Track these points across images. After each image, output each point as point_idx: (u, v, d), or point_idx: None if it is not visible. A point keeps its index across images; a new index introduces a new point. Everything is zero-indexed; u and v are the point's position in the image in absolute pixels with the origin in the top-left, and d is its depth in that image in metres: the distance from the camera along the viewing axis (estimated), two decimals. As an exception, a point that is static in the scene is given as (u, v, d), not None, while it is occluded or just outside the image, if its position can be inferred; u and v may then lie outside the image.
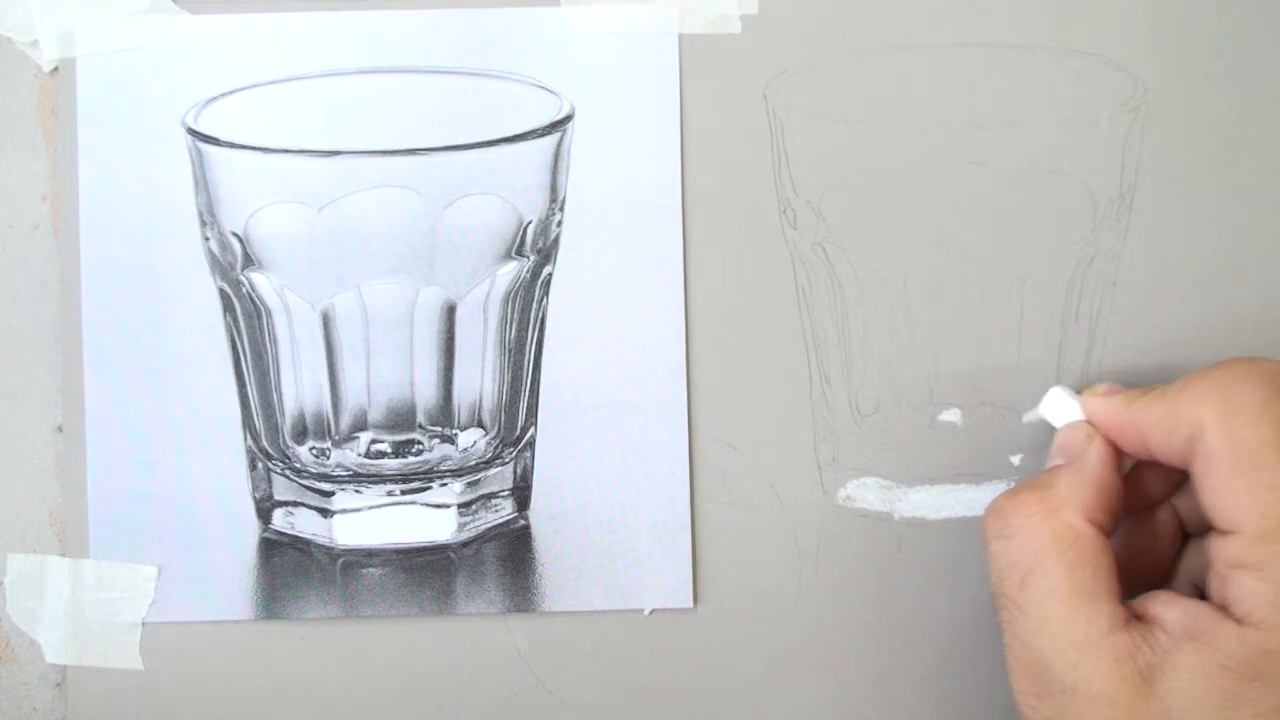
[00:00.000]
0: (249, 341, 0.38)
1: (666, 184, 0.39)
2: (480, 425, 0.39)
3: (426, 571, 0.39)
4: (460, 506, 0.39)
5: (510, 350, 0.39)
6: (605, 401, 0.39)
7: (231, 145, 0.37)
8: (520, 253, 0.38)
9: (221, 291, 0.38)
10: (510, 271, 0.38)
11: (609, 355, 0.39)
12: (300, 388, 0.38)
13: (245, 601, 0.39)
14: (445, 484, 0.39)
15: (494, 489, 0.39)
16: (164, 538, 0.38)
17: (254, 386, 0.39)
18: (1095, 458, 0.34)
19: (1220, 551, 0.31)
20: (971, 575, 0.39)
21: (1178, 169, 0.39)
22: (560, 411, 0.39)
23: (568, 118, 0.38)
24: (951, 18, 0.39)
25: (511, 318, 0.39)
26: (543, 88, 0.38)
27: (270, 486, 0.39)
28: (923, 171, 0.38)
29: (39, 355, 0.39)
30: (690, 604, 0.39)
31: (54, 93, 0.39)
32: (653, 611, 0.39)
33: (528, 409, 0.39)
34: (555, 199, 0.38)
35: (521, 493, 0.39)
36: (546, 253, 0.39)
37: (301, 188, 0.36)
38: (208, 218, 0.38)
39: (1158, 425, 0.33)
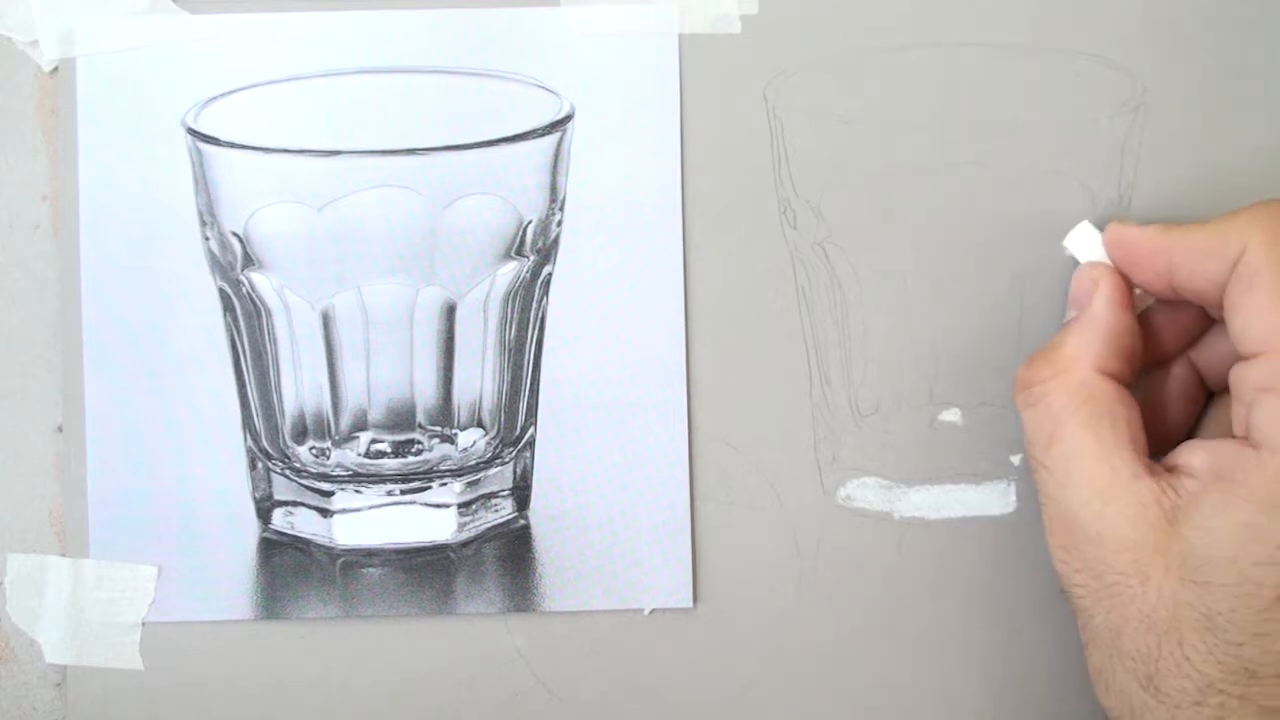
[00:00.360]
0: (249, 341, 0.38)
1: (666, 184, 0.39)
2: (480, 425, 0.39)
3: (426, 571, 0.39)
4: (460, 506, 0.39)
5: (510, 350, 0.39)
6: (605, 401, 0.39)
7: (231, 145, 0.37)
8: (520, 253, 0.38)
9: (221, 291, 0.38)
10: (510, 271, 0.38)
11: (609, 355, 0.39)
12: (300, 388, 0.38)
13: (245, 601, 0.39)
14: (445, 484, 0.39)
15: (494, 489, 0.39)
16: (164, 538, 0.38)
17: (254, 386, 0.39)
18: (1101, 304, 0.34)
19: (1246, 377, 0.31)
20: (971, 575, 0.39)
21: (1178, 169, 0.39)
22: (560, 411, 0.39)
23: (568, 118, 0.38)
24: (951, 18, 0.39)
25: (511, 318, 0.39)
26: (543, 88, 0.38)
27: (270, 486, 0.39)
28: (923, 171, 0.38)
29: (39, 355, 0.39)
30: (690, 604, 0.39)
31: (54, 93, 0.39)
32: (653, 611, 0.39)
33: (528, 409, 0.39)
34: (555, 199, 0.38)
35: (521, 493, 0.39)
36: (546, 253, 0.39)
37: (301, 188, 0.36)
38: (208, 218, 0.38)
39: (1196, 249, 0.32)
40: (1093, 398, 0.33)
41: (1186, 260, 0.33)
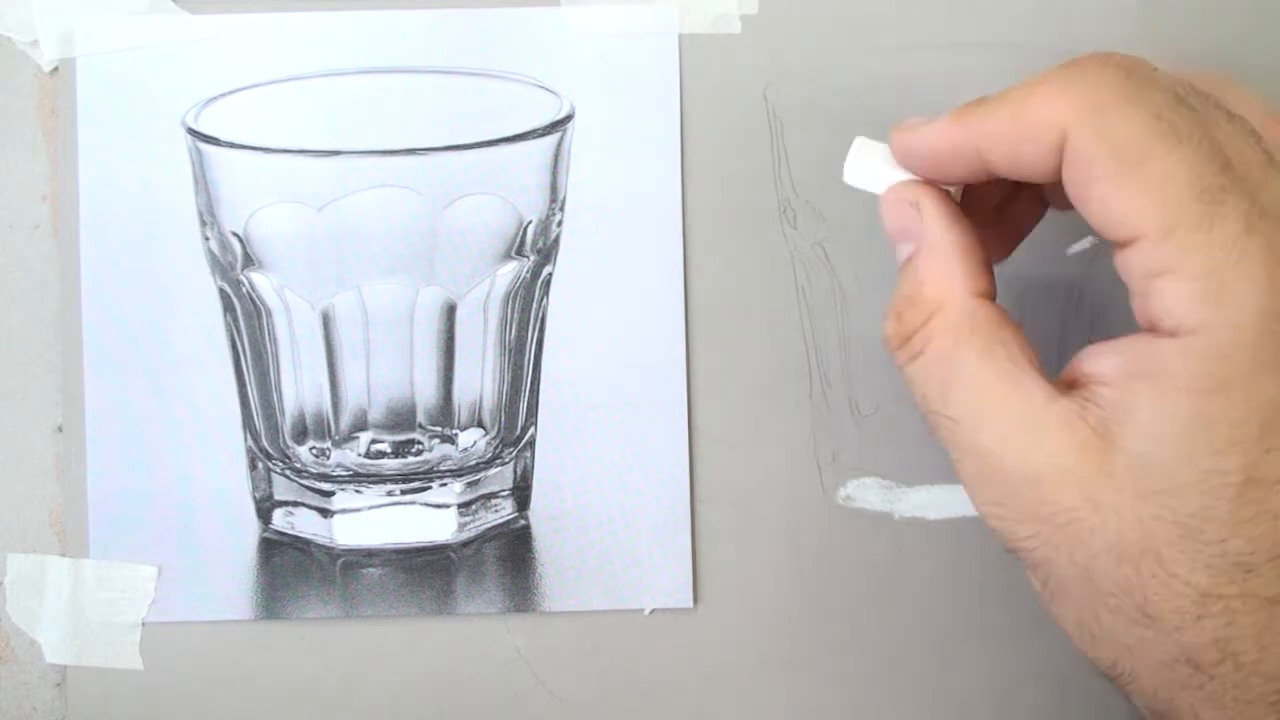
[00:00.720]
0: (249, 341, 0.38)
1: (666, 184, 0.39)
2: (480, 425, 0.39)
3: (426, 571, 0.39)
4: (460, 506, 0.39)
5: (510, 350, 0.39)
6: (605, 401, 0.39)
7: (231, 145, 0.37)
8: (520, 253, 0.38)
9: (221, 291, 0.38)
10: (510, 271, 0.38)
11: (609, 355, 0.39)
12: (300, 388, 0.38)
13: (245, 601, 0.39)
14: (445, 484, 0.39)
15: (494, 489, 0.39)
16: (164, 538, 0.38)
17: (254, 386, 0.39)
18: (937, 225, 0.30)
19: (1130, 265, 0.28)
20: (971, 575, 0.39)
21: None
22: (560, 411, 0.39)
23: (568, 118, 0.38)
24: (951, 18, 0.39)
25: (511, 318, 0.39)
26: (543, 88, 0.38)
27: (270, 486, 0.39)
28: (923, 171, 0.38)
29: (39, 355, 0.39)
30: (690, 604, 0.39)
31: (54, 93, 0.39)
32: (653, 611, 0.39)
33: (528, 409, 0.39)
34: (555, 199, 0.38)
35: (521, 493, 0.39)
36: (546, 253, 0.39)
37: (301, 188, 0.36)
38: (208, 218, 0.38)
39: (1002, 136, 0.29)
40: (978, 327, 0.29)
41: (997, 149, 0.29)
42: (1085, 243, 0.38)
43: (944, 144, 0.30)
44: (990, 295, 0.30)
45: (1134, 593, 0.28)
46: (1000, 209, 0.33)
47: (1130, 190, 0.27)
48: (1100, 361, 0.28)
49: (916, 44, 0.39)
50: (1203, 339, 0.27)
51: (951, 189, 0.31)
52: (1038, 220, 0.33)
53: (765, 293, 0.39)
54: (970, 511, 0.39)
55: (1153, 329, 0.28)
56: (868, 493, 0.39)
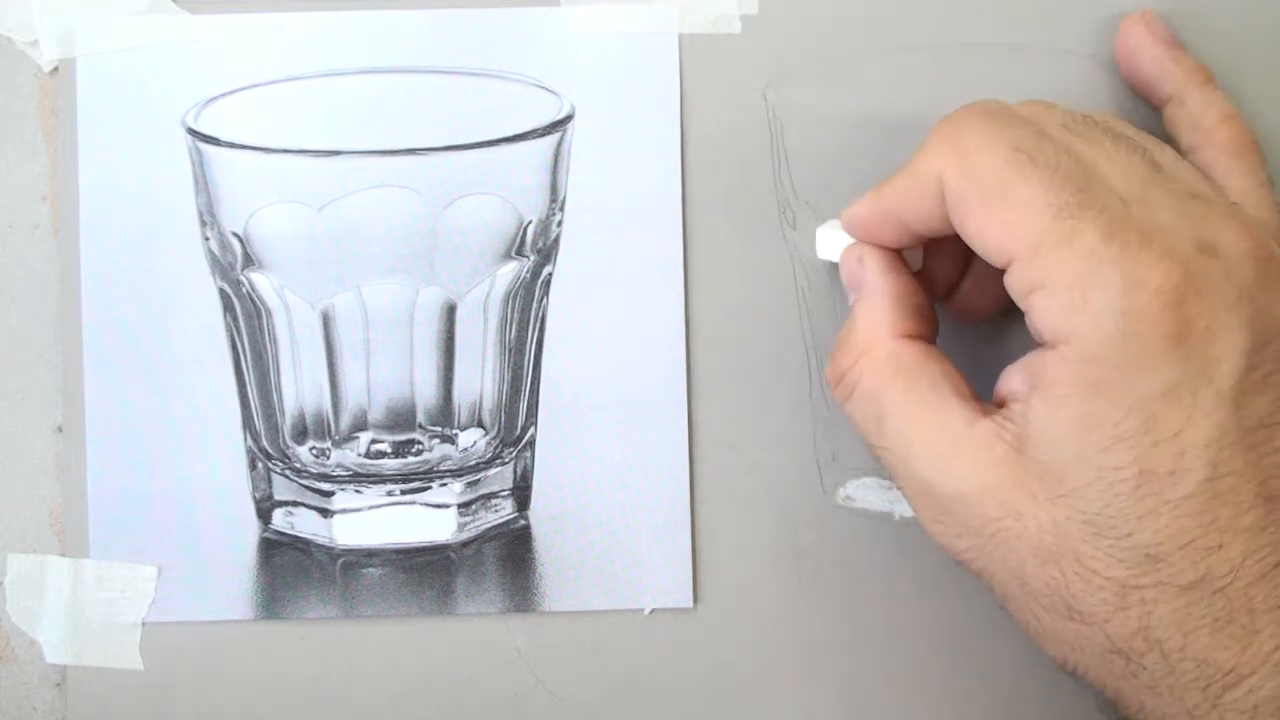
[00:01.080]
0: (249, 341, 0.38)
1: (666, 184, 0.39)
2: (480, 425, 0.39)
3: (426, 571, 0.39)
4: (460, 506, 0.39)
5: (510, 350, 0.39)
6: (605, 401, 0.39)
7: (231, 145, 0.37)
8: (520, 253, 0.38)
9: (221, 291, 0.38)
10: (510, 271, 0.38)
11: (609, 355, 0.39)
12: (300, 388, 0.38)
13: (245, 601, 0.39)
14: (445, 484, 0.39)
15: (494, 489, 0.39)
16: (164, 538, 0.38)
17: (254, 386, 0.39)
18: (872, 274, 0.34)
19: (1011, 286, 0.31)
20: (971, 575, 0.39)
21: (1177, 169, 0.39)
22: (560, 411, 0.39)
23: (568, 118, 0.38)
24: (951, 18, 0.39)
25: (511, 318, 0.39)
26: (543, 88, 0.38)
27: (270, 486, 0.39)
28: (923, 171, 0.38)
29: (39, 355, 0.39)
30: (690, 604, 0.39)
31: (54, 93, 0.39)
32: (653, 611, 0.39)
33: (528, 409, 0.39)
34: (555, 199, 0.38)
35: (521, 493, 0.39)
36: (546, 253, 0.39)
37: (301, 188, 0.36)
38: (208, 218, 0.38)
39: (905, 196, 0.32)
40: (902, 365, 0.32)
41: (906, 210, 0.33)
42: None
43: (870, 214, 0.34)
44: (922, 336, 0.33)
45: (1061, 591, 0.30)
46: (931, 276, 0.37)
47: (997, 217, 0.30)
48: (1011, 380, 0.31)
49: (916, 44, 0.39)
50: (1075, 346, 0.29)
51: (910, 254, 0.35)
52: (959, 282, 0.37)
53: (765, 293, 0.39)
54: (970, 511, 0.39)
55: (1040, 343, 0.30)
56: (868, 493, 0.39)
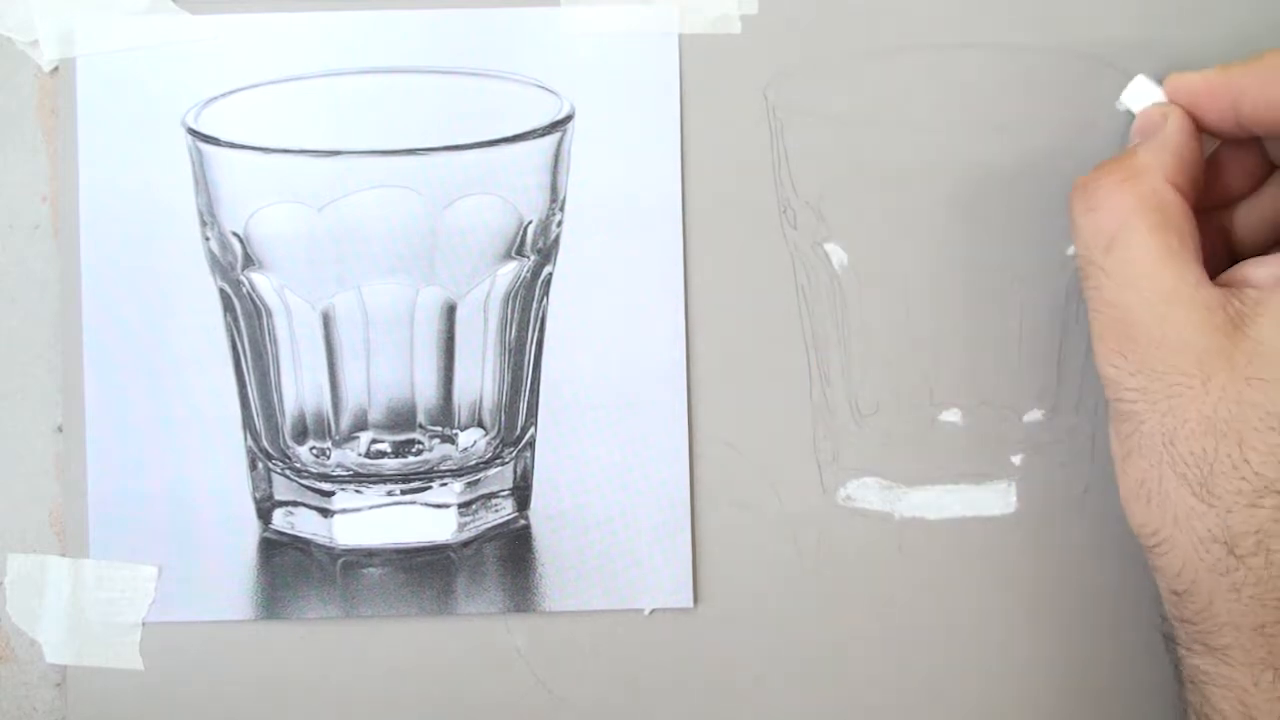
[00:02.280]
0: (249, 341, 0.38)
1: (666, 184, 0.39)
2: (480, 425, 0.39)
3: (426, 571, 0.39)
4: (460, 506, 0.39)
5: (510, 350, 0.39)
6: (605, 401, 0.39)
7: (231, 145, 0.37)
8: (520, 253, 0.38)
9: (221, 291, 0.38)
10: (510, 271, 0.38)
11: (609, 355, 0.39)
12: (300, 388, 0.38)
13: (245, 601, 0.39)
14: (445, 484, 0.39)
15: (494, 489, 0.39)
16: (164, 538, 0.38)
17: (254, 386, 0.39)
18: (1174, 127, 0.34)
19: None
20: (971, 575, 0.39)
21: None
22: (560, 411, 0.39)
23: (568, 118, 0.38)
24: (950, 18, 0.39)
25: (511, 318, 0.39)
26: (543, 88, 0.38)
27: (270, 486, 0.39)
28: (922, 171, 0.38)
29: (39, 355, 0.39)
30: (690, 604, 0.39)
31: (54, 93, 0.39)
32: (653, 611, 0.39)
33: (528, 409, 0.39)
34: (555, 199, 0.38)
35: (521, 493, 0.39)
36: (546, 253, 0.39)
37: (301, 188, 0.36)
38: (208, 218, 0.38)
39: (1259, 78, 0.33)
40: (1162, 205, 0.32)
41: (1250, 91, 0.33)
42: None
43: (1204, 85, 0.34)
44: (1188, 198, 0.33)
45: (1204, 466, 0.31)
46: (1223, 169, 0.36)
47: None
48: (1257, 269, 0.32)
49: (916, 44, 0.39)
50: None
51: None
52: (1245, 195, 0.36)
53: (765, 293, 0.39)
54: (969, 512, 0.39)
55: None
56: (868, 493, 0.39)
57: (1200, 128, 0.34)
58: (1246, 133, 0.34)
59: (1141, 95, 0.35)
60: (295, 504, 0.39)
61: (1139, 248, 0.32)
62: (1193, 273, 0.32)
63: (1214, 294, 0.31)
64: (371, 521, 0.39)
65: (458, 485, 0.39)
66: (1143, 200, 0.32)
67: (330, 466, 0.39)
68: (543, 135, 0.38)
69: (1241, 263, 0.33)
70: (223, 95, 0.38)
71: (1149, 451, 0.32)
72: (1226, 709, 0.31)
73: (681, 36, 0.39)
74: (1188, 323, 0.31)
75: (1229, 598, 0.30)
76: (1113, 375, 0.32)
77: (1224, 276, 0.33)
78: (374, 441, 0.39)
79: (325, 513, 0.39)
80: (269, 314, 0.38)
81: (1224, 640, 0.31)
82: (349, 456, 0.39)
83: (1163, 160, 0.33)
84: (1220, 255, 0.35)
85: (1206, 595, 0.31)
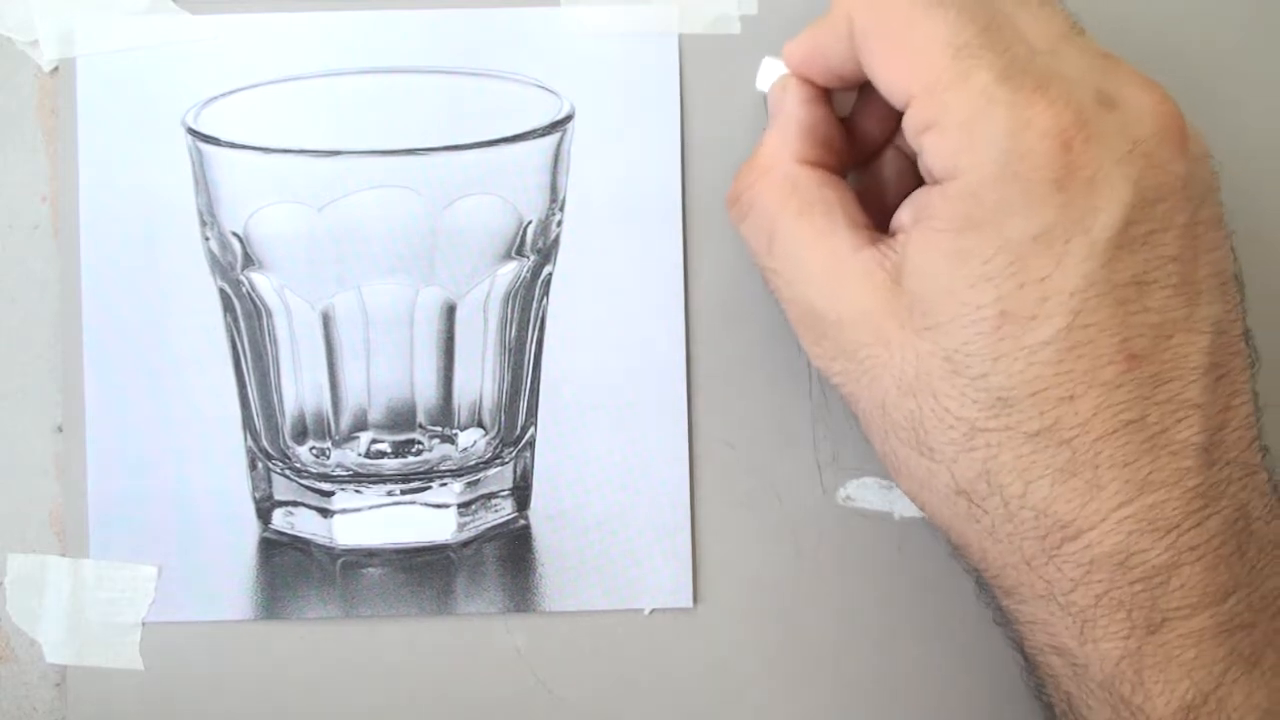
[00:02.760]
0: (249, 341, 0.38)
1: (666, 184, 0.39)
2: (480, 425, 0.39)
3: (426, 571, 0.39)
4: (460, 506, 0.39)
5: (510, 350, 0.39)
6: (605, 401, 0.39)
7: (231, 145, 0.37)
8: (520, 253, 0.38)
9: (221, 291, 0.38)
10: (510, 271, 0.38)
11: (609, 355, 0.39)
12: (300, 388, 0.38)
13: (245, 601, 0.39)
14: (445, 484, 0.39)
15: (494, 489, 0.39)
16: (164, 538, 0.38)
17: (254, 386, 0.39)
18: (792, 100, 0.34)
19: (908, 127, 0.31)
20: (972, 575, 0.39)
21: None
22: (560, 411, 0.39)
23: (568, 118, 0.38)
24: (951, 18, 0.39)
25: (511, 318, 0.39)
26: (543, 88, 0.38)
27: (270, 486, 0.39)
28: (922, 171, 0.38)
29: (39, 355, 0.39)
30: (690, 604, 0.39)
31: (54, 93, 0.39)
32: (653, 611, 0.39)
33: (528, 409, 0.39)
34: (555, 199, 0.38)
35: (521, 493, 0.39)
36: (546, 253, 0.39)
37: (301, 188, 0.36)
38: (208, 218, 0.38)
39: (825, 38, 0.33)
40: (798, 188, 0.32)
41: (828, 50, 0.33)
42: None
43: (798, 50, 0.34)
44: (825, 167, 0.33)
45: (916, 426, 0.31)
46: (862, 119, 0.36)
47: (899, 55, 0.30)
48: (902, 213, 0.32)
49: (916, 44, 0.39)
50: (958, 183, 0.29)
51: (840, 99, 0.35)
52: (886, 145, 0.36)
53: (765, 293, 0.39)
54: (970, 511, 0.39)
55: (929, 181, 0.31)
56: (868, 493, 0.39)
57: (822, 87, 0.34)
58: (851, 84, 0.34)
59: (769, 74, 0.35)
60: (295, 504, 0.39)
61: (791, 239, 0.32)
62: (846, 243, 0.32)
63: (870, 255, 0.31)
64: (371, 521, 0.39)
65: (457, 485, 0.39)
66: (779, 191, 0.33)
67: (330, 466, 0.39)
68: (543, 135, 0.38)
69: (897, 210, 0.32)
70: (223, 95, 0.38)
71: (874, 428, 0.32)
72: (1038, 641, 0.32)
73: (681, 36, 0.39)
74: (855, 294, 0.31)
75: (990, 542, 0.31)
76: (820, 365, 0.33)
77: (890, 227, 0.32)
78: (374, 441, 0.39)
79: (325, 513, 0.39)
80: (269, 314, 0.38)
81: (1009, 581, 0.31)
82: (349, 456, 0.39)
83: (788, 140, 0.33)
84: (891, 205, 0.35)
85: (976, 546, 0.31)
